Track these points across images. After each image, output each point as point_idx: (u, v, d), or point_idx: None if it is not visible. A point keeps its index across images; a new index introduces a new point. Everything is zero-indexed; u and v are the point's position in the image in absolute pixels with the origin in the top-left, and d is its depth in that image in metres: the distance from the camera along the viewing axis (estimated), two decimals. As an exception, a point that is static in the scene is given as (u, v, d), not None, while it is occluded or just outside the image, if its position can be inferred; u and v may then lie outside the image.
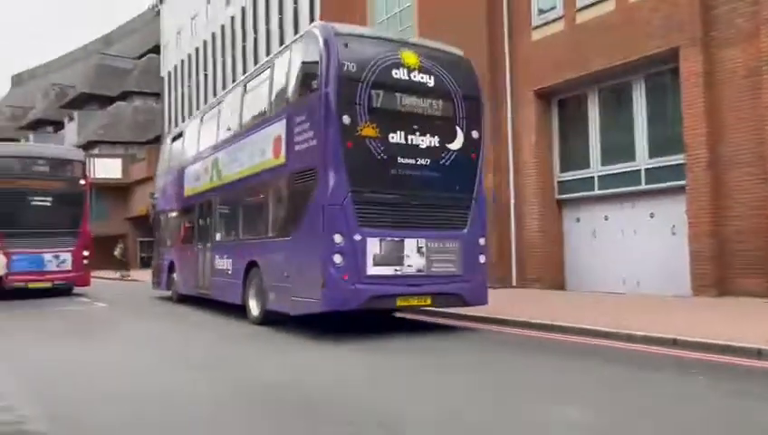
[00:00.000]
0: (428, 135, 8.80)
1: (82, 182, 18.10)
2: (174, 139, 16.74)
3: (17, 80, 72.69)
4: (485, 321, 9.62)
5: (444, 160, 8.89)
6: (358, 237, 8.11)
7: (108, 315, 13.00)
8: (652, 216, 12.99)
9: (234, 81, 32.80)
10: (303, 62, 9.14)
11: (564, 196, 14.77)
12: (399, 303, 8.54)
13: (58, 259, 17.08)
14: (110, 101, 48.96)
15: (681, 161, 11.98)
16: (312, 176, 8.46)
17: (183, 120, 39.21)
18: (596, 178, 14.01)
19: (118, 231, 38.70)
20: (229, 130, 11.86)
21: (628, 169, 13.24)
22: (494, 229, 15.41)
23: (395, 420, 4.46)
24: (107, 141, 45.20)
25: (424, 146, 8.75)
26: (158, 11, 45.38)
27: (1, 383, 6.28)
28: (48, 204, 17.30)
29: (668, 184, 12.43)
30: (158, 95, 45.59)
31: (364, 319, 9.79)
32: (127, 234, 39.09)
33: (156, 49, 46.59)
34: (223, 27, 34.01)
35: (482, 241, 9.12)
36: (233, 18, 32.91)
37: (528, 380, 5.87)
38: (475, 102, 9.42)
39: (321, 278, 8.03)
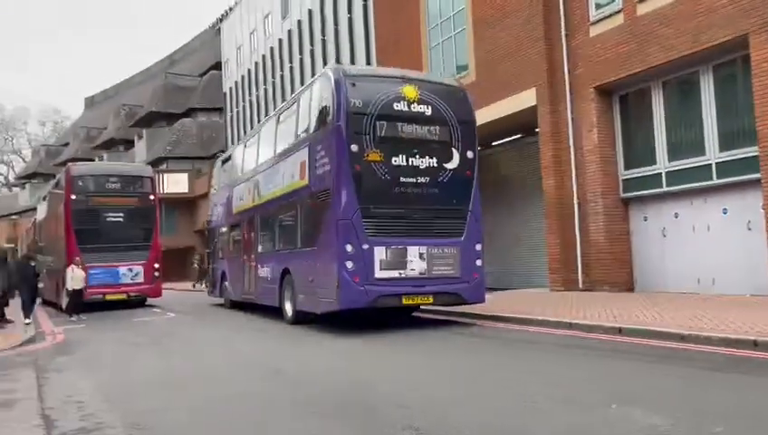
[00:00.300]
0: (427, 157, 10.22)
1: (152, 197, 18.87)
2: (223, 162, 18.45)
3: (90, 102, 76.50)
4: (556, 325, 9.40)
5: (441, 178, 10.28)
6: (366, 246, 9.58)
7: (178, 324, 13.46)
8: (725, 211, 12.39)
9: (291, 92, 33.46)
10: (320, 99, 10.67)
11: (630, 194, 14.29)
12: (405, 301, 9.84)
13: (132, 272, 17.84)
14: (176, 118, 50.79)
15: (754, 154, 11.38)
16: (328, 195, 10.00)
17: (244, 134, 40.27)
18: (663, 175, 13.50)
19: (186, 244, 40.07)
20: (266, 154, 13.53)
21: (698, 164, 12.69)
22: (556, 231, 15.10)
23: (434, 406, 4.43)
24: (174, 157, 46.86)
25: (423, 166, 10.17)
26: (219, 29, 46.84)
27: (81, 391, 6.60)
28: (121, 219, 18.12)
29: (741, 178, 11.82)
30: (220, 110, 46.98)
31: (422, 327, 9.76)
32: (194, 246, 40.38)
33: (217, 66, 48.03)
34: (280, 41, 34.75)
35: (478, 247, 10.39)
36: (290, 32, 33.58)
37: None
38: (470, 126, 10.80)
39: (336, 281, 9.49)
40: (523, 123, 16.92)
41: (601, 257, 14.27)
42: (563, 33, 14.86)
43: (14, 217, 65.80)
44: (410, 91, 10.36)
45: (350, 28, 27.93)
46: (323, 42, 30.17)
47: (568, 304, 11.44)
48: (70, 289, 15.16)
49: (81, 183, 18.05)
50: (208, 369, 7.67)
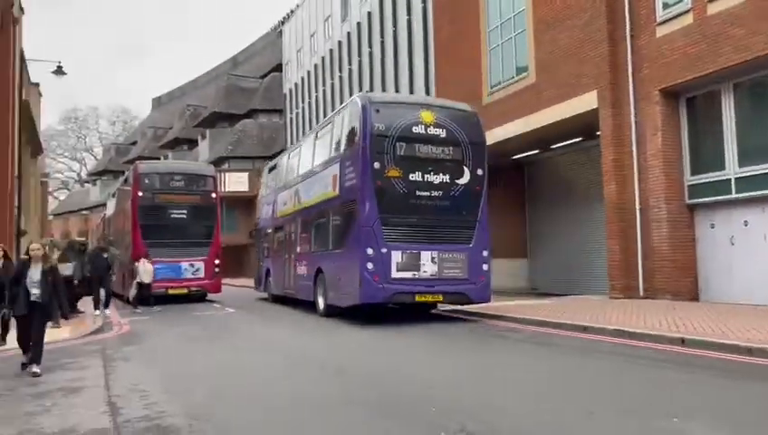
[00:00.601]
0: (441, 174, 11.65)
1: (214, 196, 19.44)
2: (270, 169, 20.18)
3: (157, 103, 79.42)
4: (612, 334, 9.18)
5: (453, 192, 11.69)
6: (384, 250, 11.07)
7: (236, 319, 13.82)
8: (800, 220, 11.79)
9: (350, 94, 33.79)
10: (350, 122, 12.21)
11: (696, 200, 13.78)
12: (417, 299, 11.28)
13: (193, 268, 18.42)
14: (238, 118, 52.09)
15: (834, 160, 10.78)
16: (354, 205, 11.57)
17: (303, 135, 40.95)
18: (733, 181, 12.94)
19: (246, 241, 40.98)
20: (305, 166, 15.15)
21: (771, 170, 12.11)
22: (616, 237, 14.71)
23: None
24: (235, 157, 48.08)
25: (437, 182, 11.60)
26: (280, 31, 47.80)
27: (145, 380, 6.87)
28: (184, 216, 18.73)
29: (819, 185, 11.22)
30: (280, 111, 47.93)
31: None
32: (254, 244, 41.27)
33: (278, 67, 49.01)
34: (340, 43, 35.18)
35: (485, 253, 11.74)
36: (349, 34, 33.94)
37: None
38: (480, 147, 12.13)
39: (358, 279, 11.03)
40: (584, 126, 16.56)
41: (664, 265, 13.80)
42: (628, 33, 14.46)
43: (85, 212, 68.99)
44: (427, 115, 11.84)
45: (409, 30, 27.99)
46: (382, 44, 30.35)
47: (627, 312, 11.13)
48: (143, 282, 15.96)
49: (147, 180, 18.75)
50: (262, 363, 7.86)
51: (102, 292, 15.05)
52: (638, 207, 14.36)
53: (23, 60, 29.51)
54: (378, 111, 11.58)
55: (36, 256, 7.73)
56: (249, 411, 5.32)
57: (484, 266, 11.66)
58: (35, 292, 7.48)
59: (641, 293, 14.14)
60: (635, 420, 4.67)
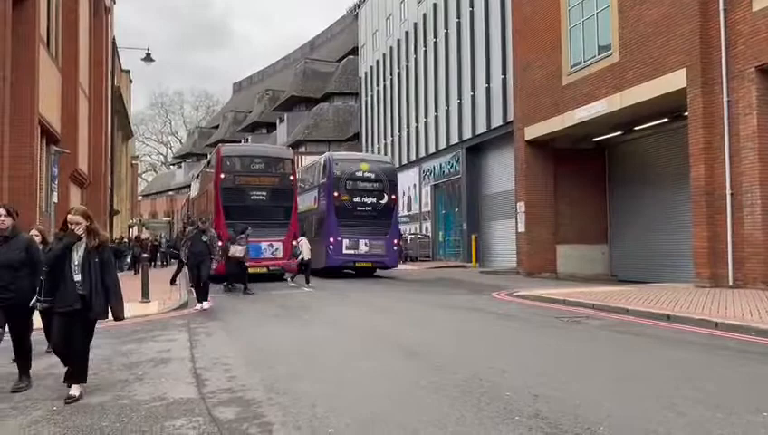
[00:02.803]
0: (371, 198, 20.91)
1: (292, 178, 19.89)
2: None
3: (237, 87, 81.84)
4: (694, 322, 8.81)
5: (378, 208, 20.93)
6: (339, 238, 20.26)
7: (314, 298, 14.15)
8: None
9: (425, 77, 33.60)
10: (322, 168, 21.53)
11: (794, 185, 12.89)
12: (356, 265, 20.77)
13: (272, 248, 18.96)
14: (315, 102, 52.94)
15: None
16: (324, 215, 20.84)
17: (378, 118, 41.13)
18: (837, 164, 12.03)
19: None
20: (305, 186, 23.27)
21: None
22: (704, 223, 14.01)
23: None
24: (311, 140, 48.99)
25: (368, 202, 20.84)
26: (356, 14, 48.00)
27: (227, 354, 7.20)
28: (264, 198, 19.27)
29: None
30: (355, 95, 48.30)
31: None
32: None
33: (354, 51, 49.34)
34: (415, 25, 34.96)
35: (395, 240, 21.47)
36: (425, 16, 33.66)
37: None
38: (394, 182, 21.82)
39: (325, 253, 20.13)
40: (670, 107, 15.80)
41: (758, 252, 13.03)
42: (722, 7, 13.61)
43: (170, 193, 72.32)
44: (364, 165, 21.43)
45: (486, 10, 27.44)
46: (458, 24, 29.93)
47: (715, 302, 10.63)
48: (240, 257, 15.61)
49: (229, 163, 19.37)
50: (338, 340, 8.05)
51: (200, 278, 12.70)
52: (728, 191, 13.60)
53: (114, 48, 31.10)
54: (336, 163, 21.00)
55: (74, 231, 5.30)
56: (325, 386, 5.47)
57: (395, 248, 21.37)
58: (77, 278, 5.27)
59: (730, 282, 13.44)
60: (721, 414, 4.49)
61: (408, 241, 32.26)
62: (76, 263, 5.31)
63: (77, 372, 5.33)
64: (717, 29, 13.77)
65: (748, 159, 13.21)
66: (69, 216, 5.37)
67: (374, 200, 20.68)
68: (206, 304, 12.28)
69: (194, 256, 12.86)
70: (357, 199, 20.56)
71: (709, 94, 13.98)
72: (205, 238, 13.05)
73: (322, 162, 21.54)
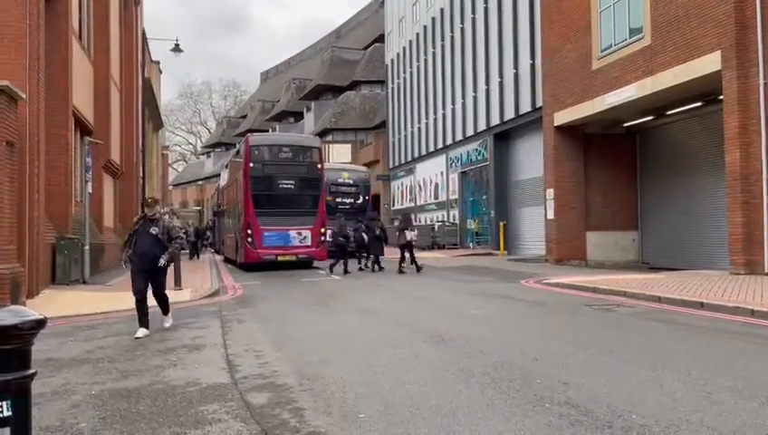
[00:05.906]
0: (350, 198, 25.77)
1: (320, 166, 19.98)
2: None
3: (265, 77, 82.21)
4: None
5: (356, 206, 25.36)
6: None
7: (343, 286, 14.26)
8: None
9: (451, 63, 33.34)
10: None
11: (834, 169, 12.53)
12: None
13: (300, 236, 19.13)
14: (341, 90, 52.91)
15: None
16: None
17: (405, 106, 40.97)
18: None
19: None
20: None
21: None
22: (739, 209, 13.72)
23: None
24: (338, 129, 49.04)
25: (348, 202, 25.43)
26: (382, 1, 47.72)
27: (258, 341, 7.31)
28: (292, 186, 19.42)
29: None
30: (382, 83, 48.14)
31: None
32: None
33: (380, 38, 49.10)
34: (442, 11, 34.64)
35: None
36: (451, 1, 33.34)
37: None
38: (368, 185, 27.31)
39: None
40: (703, 90, 15.44)
41: (794, 240, 12.73)
42: (758, -13, 13.23)
43: (200, 182, 73.24)
44: (345, 174, 26.23)
45: (514, -6, 27.04)
46: (486, 9, 29.57)
47: (750, 290, 10.42)
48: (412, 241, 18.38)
49: (257, 152, 19.54)
50: (366, 327, 8.10)
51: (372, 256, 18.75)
52: (764, 176, 13.28)
53: (144, 39, 31.48)
54: (325, 171, 21.53)
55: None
56: (355, 372, 5.53)
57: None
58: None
59: (766, 269, 13.15)
60: (756, 403, 4.43)
61: (436, 229, 32.19)
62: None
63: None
64: (753, 10, 13.39)
65: (786, 143, 12.87)
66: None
67: (352, 200, 25.60)
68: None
69: (374, 242, 18.87)
70: (340, 200, 24.96)
71: (744, 77, 13.62)
72: (378, 231, 19.05)
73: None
